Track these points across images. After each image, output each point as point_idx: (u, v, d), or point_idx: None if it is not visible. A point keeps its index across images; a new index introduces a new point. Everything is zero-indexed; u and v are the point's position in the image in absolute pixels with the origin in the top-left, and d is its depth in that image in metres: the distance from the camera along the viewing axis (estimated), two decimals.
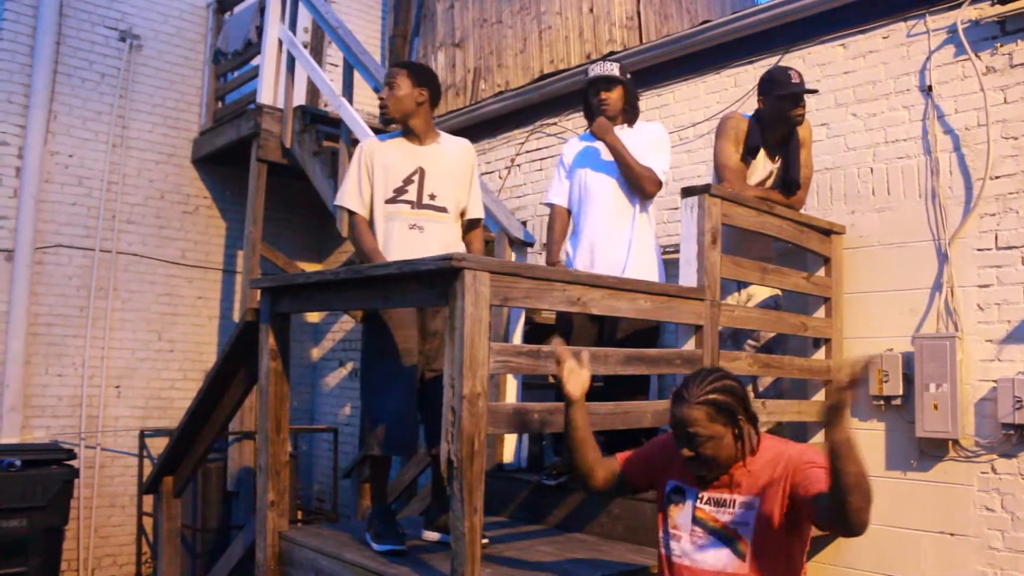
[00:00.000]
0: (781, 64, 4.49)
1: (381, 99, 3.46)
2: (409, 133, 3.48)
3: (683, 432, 2.27)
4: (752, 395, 3.99)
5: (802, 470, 2.20)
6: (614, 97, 3.83)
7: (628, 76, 3.89)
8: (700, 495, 2.35)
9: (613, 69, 3.83)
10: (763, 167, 3.96)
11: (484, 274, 2.56)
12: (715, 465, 2.28)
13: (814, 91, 3.87)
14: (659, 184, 3.80)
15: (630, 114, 3.90)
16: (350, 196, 3.45)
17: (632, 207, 3.82)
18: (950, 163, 3.93)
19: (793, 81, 3.77)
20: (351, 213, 3.46)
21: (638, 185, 3.77)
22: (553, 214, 4.04)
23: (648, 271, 3.76)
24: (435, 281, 2.61)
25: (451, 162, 3.49)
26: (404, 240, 3.34)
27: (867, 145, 4.24)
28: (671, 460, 2.45)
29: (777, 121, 3.87)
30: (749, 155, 3.91)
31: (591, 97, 3.86)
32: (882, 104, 4.20)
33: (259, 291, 3.55)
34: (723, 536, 2.28)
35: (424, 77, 3.48)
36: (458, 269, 2.50)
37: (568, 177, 4.00)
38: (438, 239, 3.38)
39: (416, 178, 3.41)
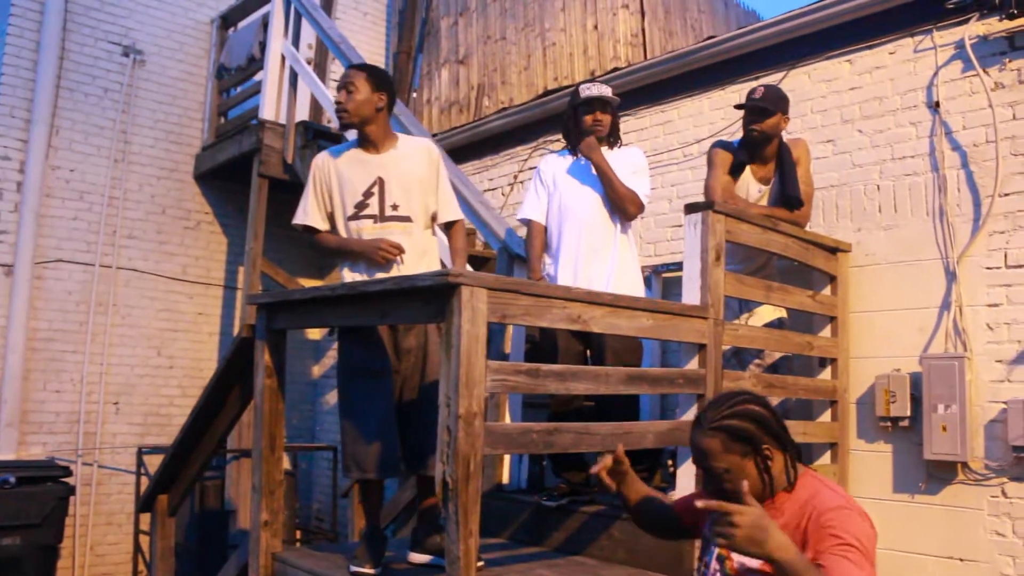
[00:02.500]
0: (771, 82, 4.47)
1: (338, 103, 3.27)
2: (365, 141, 3.32)
3: (699, 462, 2.07)
4: None
5: (820, 537, 1.91)
6: (608, 120, 3.82)
7: (618, 102, 3.90)
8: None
9: (608, 91, 3.82)
10: (752, 189, 3.91)
11: (482, 290, 2.50)
12: (738, 502, 1.94)
13: (763, 106, 3.78)
14: (641, 207, 3.81)
15: (613, 138, 3.90)
16: (311, 215, 3.32)
17: (613, 227, 3.79)
18: (958, 180, 3.87)
19: (751, 96, 3.78)
20: (308, 230, 3.36)
21: (622, 206, 3.76)
22: (532, 230, 3.96)
23: (631, 291, 3.69)
24: (432, 297, 2.55)
25: (412, 167, 3.32)
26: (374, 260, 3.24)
27: (874, 162, 4.18)
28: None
29: (745, 138, 3.86)
30: (734, 173, 3.90)
31: (582, 115, 3.82)
32: (889, 120, 4.15)
33: (255, 307, 3.50)
34: None
35: (383, 81, 3.33)
36: (455, 285, 2.44)
37: (546, 193, 3.95)
38: (406, 252, 3.25)
39: (376, 190, 3.27)
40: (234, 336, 7.28)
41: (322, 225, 3.33)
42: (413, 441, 3.28)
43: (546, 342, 3.80)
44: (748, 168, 3.91)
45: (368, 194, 3.26)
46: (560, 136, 5.86)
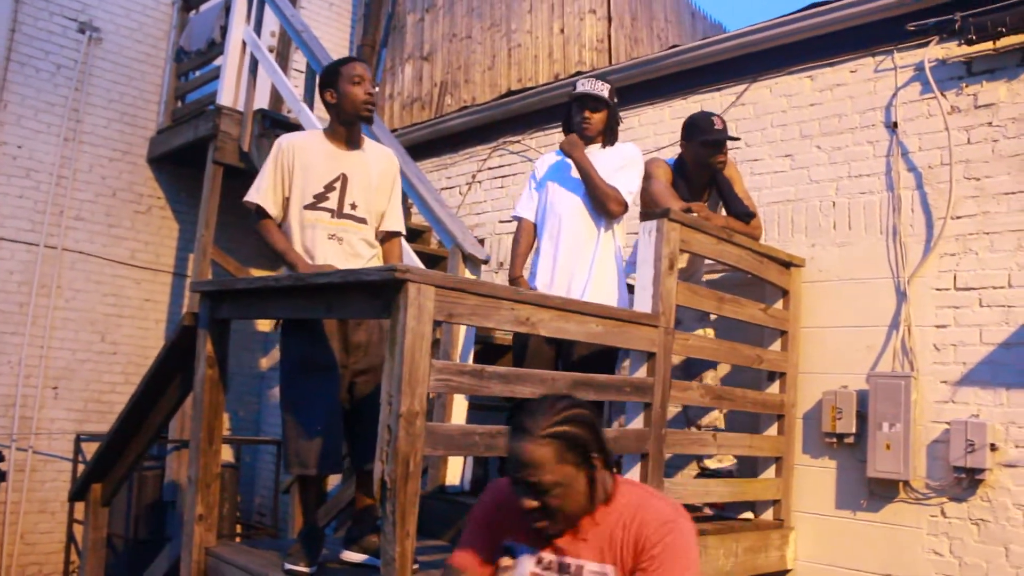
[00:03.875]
0: (733, 94, 4.49)
1: (370, 95, 3.24)
2: (339, 135, 3.28)
3: (523, 475, 1.82)
4: (696, 428, 3.91)
5: (651, 555, 1.78)
6: (597, 119, 3.72)
7: (615, 100, 3.78)
8: (539, 556, 1.89)
9: (603, 90, 3.70)
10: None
11: (429, 288, 2.44)
12: (561, 518, 1.84)
13: (736, 139, 3.84)
14: (624, 205, 3.67)
15: (609, 136, 3.78)
16: (264, 195, 3.22)
17: (597, 228, 3.70)
18: (912, 201, 3.90)
19: (716, 128, 3.77)
20: (259, 211, 3.26)
21: (602, 205, 3.65)
22: (520, 228, 3.92)
23: (609, 294, 3.65)
24: (379, 292, 2.49)
25: (374, 171, 3.32)
26: (323, 250, 3.19)
27: (830, 178, 4.20)
28: (504, 514, 1.98)
29: (699, 167, 3.86)
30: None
31: (575, 113, 3.76)
32: (847, 138, 4.17)
33: (199, 295, 3.40)
34: None
35: (372, 83, 3.34)
36: (402, 281, 2.38)
37: (537, 191, 3.90)
38: (357, 251, 3.23)
39: (338, 185, 3.23)
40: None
41: (273, 210, 3.24)
42: (359, 438, 3.22)
43: (517, 345, 3.74)
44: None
45: (330, 187, 3.21)
46: (521, 137, 5.86)
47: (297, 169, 3.22)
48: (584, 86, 3.73)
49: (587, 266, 3.66)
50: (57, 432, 6.56)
